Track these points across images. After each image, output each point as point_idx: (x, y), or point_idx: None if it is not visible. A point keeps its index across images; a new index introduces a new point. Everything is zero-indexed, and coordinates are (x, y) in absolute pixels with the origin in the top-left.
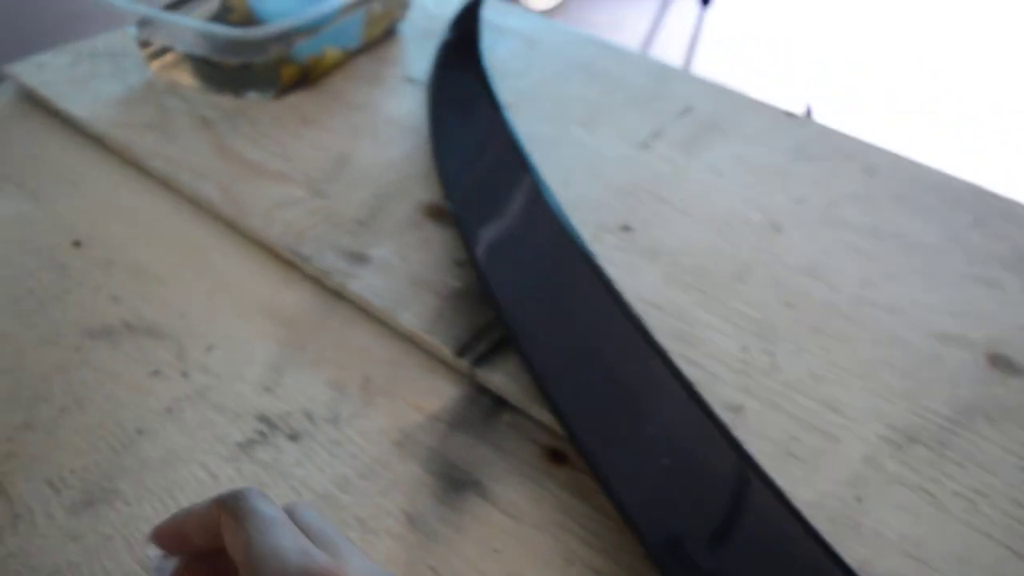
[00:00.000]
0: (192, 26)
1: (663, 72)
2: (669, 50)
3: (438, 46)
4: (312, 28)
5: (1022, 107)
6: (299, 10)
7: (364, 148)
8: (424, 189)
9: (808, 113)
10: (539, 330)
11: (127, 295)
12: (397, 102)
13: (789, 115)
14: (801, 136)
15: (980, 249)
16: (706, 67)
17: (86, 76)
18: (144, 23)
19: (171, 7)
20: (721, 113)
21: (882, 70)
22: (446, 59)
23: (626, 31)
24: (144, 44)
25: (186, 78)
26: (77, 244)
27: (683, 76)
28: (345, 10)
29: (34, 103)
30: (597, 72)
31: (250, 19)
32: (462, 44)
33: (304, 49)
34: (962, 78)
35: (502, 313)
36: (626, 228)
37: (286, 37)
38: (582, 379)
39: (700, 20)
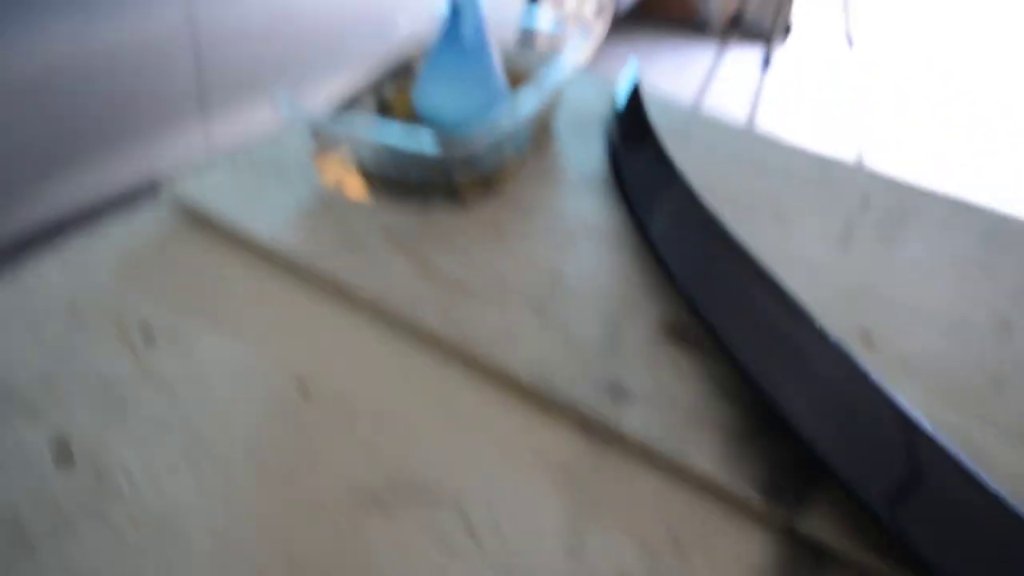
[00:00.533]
0: (374, 140)
1: (826, 163)
2: (726, 105)
3: (608, 139)
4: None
5: None
6: (465, 104)
7: (569, 259)
8: (652, 304)
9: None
10: (855, 459)
11: (380, 448)
12: (578, 202)
13: (964, 203)
14: (984, 224)
15: None
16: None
17: (252, 188)
18: (315, 132)
19: (338, 111)
20: (900, 205)
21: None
22: (624, 152)
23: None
24: (313, 153)
25: (359, 187)
26: (304, 391)
27: (847, 167)
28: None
29: (195, 219)
30: (762, 165)
31: (412, 117)
32: (636, 134)
33: (490, 159)
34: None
35: (808, 444)
36: (865, 336)
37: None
38: (926, 515)
39: (760, 82)
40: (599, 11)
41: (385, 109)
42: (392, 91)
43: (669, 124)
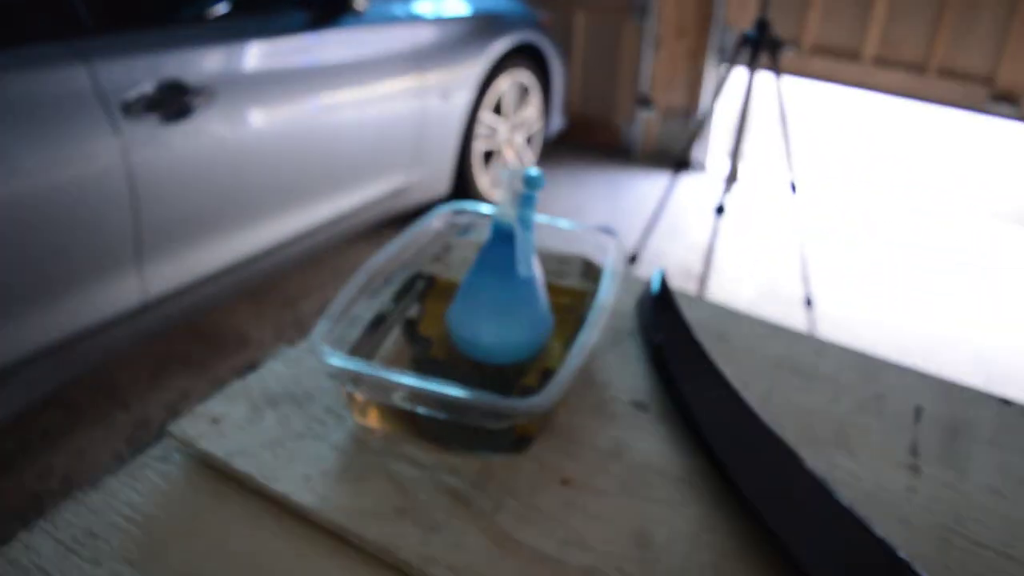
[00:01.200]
0: (429, 390)
1: (863, 362)
2: (682, 227)
3: (652, 356)
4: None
5: None
6: (512, 337)
7: (651, 514)
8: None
9: (808, 302)
10: None
11: None
12: (639, 437)
13: (1006, 402)
14: None
15: None
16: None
17: (277, 435)
18: (358, 381)
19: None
20: (951, 412)
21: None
22: (681, 377)
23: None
24: (350, 397)
25: (401, 430)
26: None
27: (881, 365)
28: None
29: (213, 471)
30: (807, 372)
31: (451, 351)
32: (685, 351)
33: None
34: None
35: None
36: None
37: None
38: None
39: (715, 230)
40: (529, 139)
41: (424, 346)
42: (416, 311)
43: (702, 322)
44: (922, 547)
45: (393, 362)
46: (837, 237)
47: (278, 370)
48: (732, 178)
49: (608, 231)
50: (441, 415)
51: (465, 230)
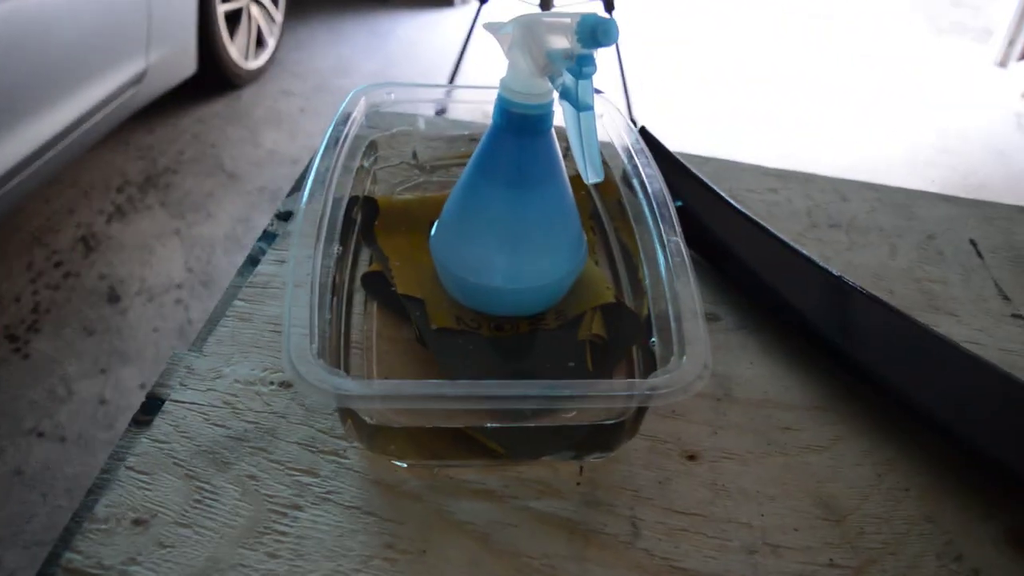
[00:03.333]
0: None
1: (887, 196)
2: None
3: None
4: None
5: None
6: (552, 269)
7: (813, 467)
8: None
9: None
10: None
11: None
12: (741, 364)
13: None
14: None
15: None
16: None
17: (249, 517)
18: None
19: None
20: (1001, 236)
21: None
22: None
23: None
24: (354, 424)
25: (432, 451)
26: None
27: (901, 194)
28: None
29: None
30: (843, 222)
31: (459, 310)
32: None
33: None
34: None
35: None
36: None
37: None
38: None
39: None
40: None
41: (377, 287)
42: (371, 258)
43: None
44: None
45: (385, 348)
46: (661, 60)
47: (195, 404)
48: (548, 4)
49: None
50: (521, 423)
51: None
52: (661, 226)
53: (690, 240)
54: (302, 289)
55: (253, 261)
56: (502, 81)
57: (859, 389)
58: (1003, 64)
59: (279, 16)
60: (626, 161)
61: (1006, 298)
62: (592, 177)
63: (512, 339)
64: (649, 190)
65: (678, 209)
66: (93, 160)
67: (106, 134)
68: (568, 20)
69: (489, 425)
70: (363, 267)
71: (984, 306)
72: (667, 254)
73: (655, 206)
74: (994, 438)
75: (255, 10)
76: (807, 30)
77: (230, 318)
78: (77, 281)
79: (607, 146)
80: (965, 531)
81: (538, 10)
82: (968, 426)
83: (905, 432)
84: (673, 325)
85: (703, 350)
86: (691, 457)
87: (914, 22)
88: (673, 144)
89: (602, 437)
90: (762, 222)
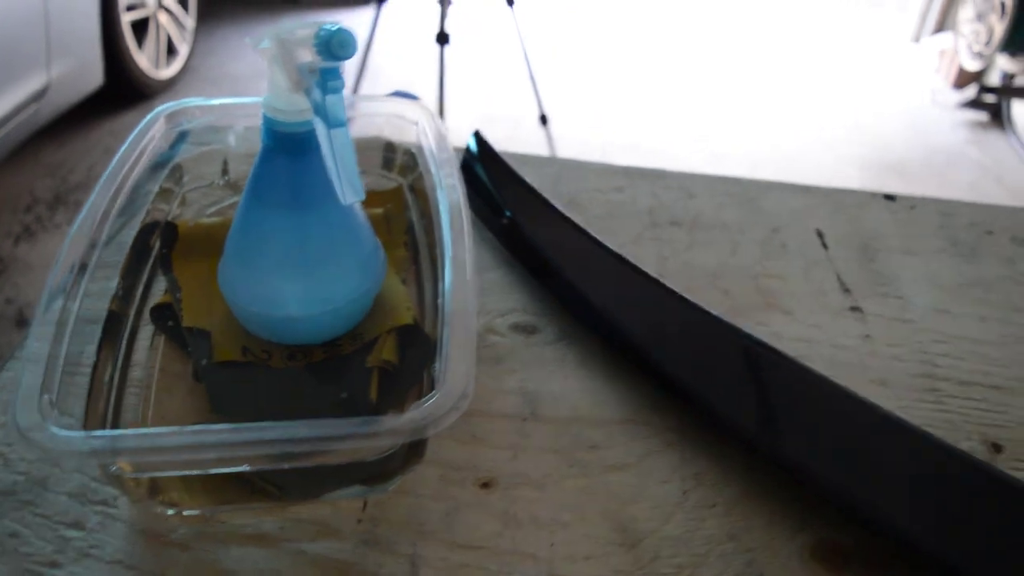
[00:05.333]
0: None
1: (735, 189)
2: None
3: (507, 244)
4: None
5: None
6: (330, 286)
7: (613, 488)
8: None
9: (543, 119)
10: None
11: None
12: (551, 379)
13: (889, 197)
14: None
15: None
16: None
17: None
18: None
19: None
20: (847, 225)
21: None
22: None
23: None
24: (118, 477)
25: (205, 498)
26: None
27: (748, 186)
28: None
29: None
30: (686, 219)
31: (246, 341)
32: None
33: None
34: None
35: None
36: None
37: None
38: None
39: (441, 61)
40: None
41: (166, 320)
42: (165, 288)
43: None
44: (908, 400)
45: (164, 386)
46: (565, 49)
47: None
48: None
49: (407, 95)
50: (292, 465)
51: (182, 139)
52: (452, 240)
53: (516, 252)
54: (46, 328)
55: (54, 293)
56: (264, 99)
57: (674, 400)
58: (917, 39)
59: (190, 22)
60: (435, 172)
61: (846, 290)
62: (349, 197)
63: (301, 369)
64: (447, 202)
65: (506, 221)
66: (0, 180)
67: (11, 152)
68: (310, 33)
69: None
70: (158, 298)
71: (823, 300)
72: (453, 270)
73: (449, 219)
74: (803, 449)
75: (163, 18)
76: (725, 6)
77: (16, 360)
78: None
79: (424, 155)
80: (769, 547)
81: (305, 20)
82: (776, 437)
83: (716, 444)
84: (444, 349)
85: (462, 379)
86: (485, 485)
87: None
88: (582, 138)
89: (376, 472)
90: (586, 228)
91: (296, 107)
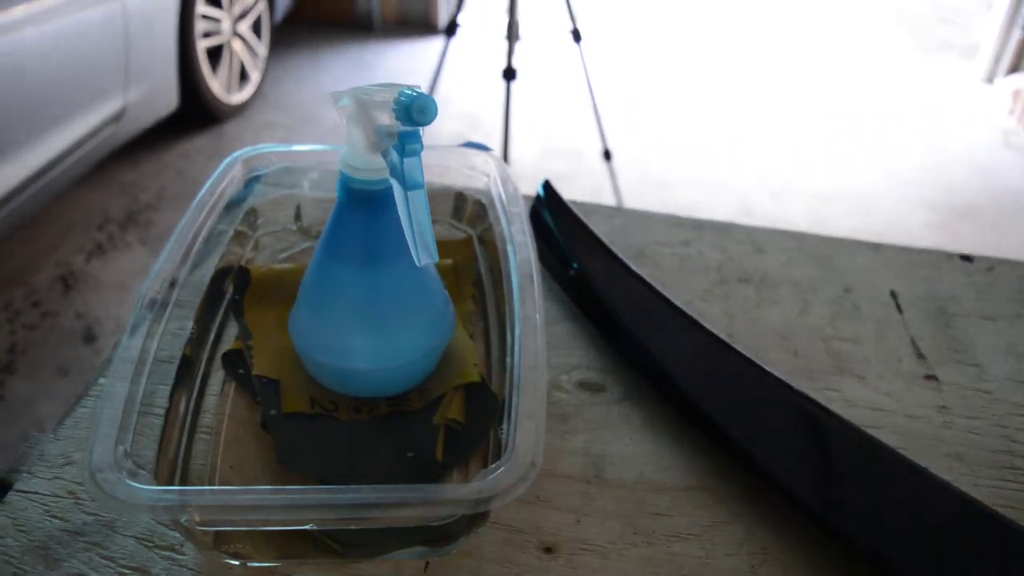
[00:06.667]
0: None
1: (805, 246)
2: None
3: (576, 299)
4: None
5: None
6: (406, 342)
7: (679, 559)
8: None
9: (607, 155)
10: None
11: None
12: (617, 441)
13: (966, 258)
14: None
15: None
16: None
17: None
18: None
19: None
20: (923, 286)
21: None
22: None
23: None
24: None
25: (274, 549)
26: None
27: (817, 242)
28: None
29: None
30: (755, 275)
31: (315, 392)
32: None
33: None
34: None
35: None
36: None
37: None
38: None
39: (507, 96)
40: (256, 27)
41: (236, 368)
42: (236, 334)
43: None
44: (985, 477)
45: (233, 433)
46: (628, 84)
47: (38, 494)
48: (514, 35)
49: (479, 147)
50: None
51: (255, 180)
52: (521, 298)
53: (583, 305)
54: (120, 380)
55: (133, 331)
56: (341, 156)
57: (740, 468)
58: (990, 80)
59: (263, 50)
60: (505, 226)
61: (921, 356)
62: (424, 259)
63: (367, 423)
64: (517, 258)
65: (574, 273)
66: (75, 198)
67: (87, 172)
68: (390, 96)
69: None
70: (230, 343)
71: (896, 367)
72: (522, 330)
73: (519, 276)
74: (869, 526)
75: (237, 45)
76: (792, 50)
77: (92, 397)
78: (55, 321)
79: (495, 206)
80: None
81: (384, 84)
82: (843, 513)
83: (784, 519)
84: (513, 415)
85: (531, 449)
86: (548, 550)
87: (900, 40)
88: (643, 173)
89: (439, 533)
90: (655, 284)
91: (372, 166)
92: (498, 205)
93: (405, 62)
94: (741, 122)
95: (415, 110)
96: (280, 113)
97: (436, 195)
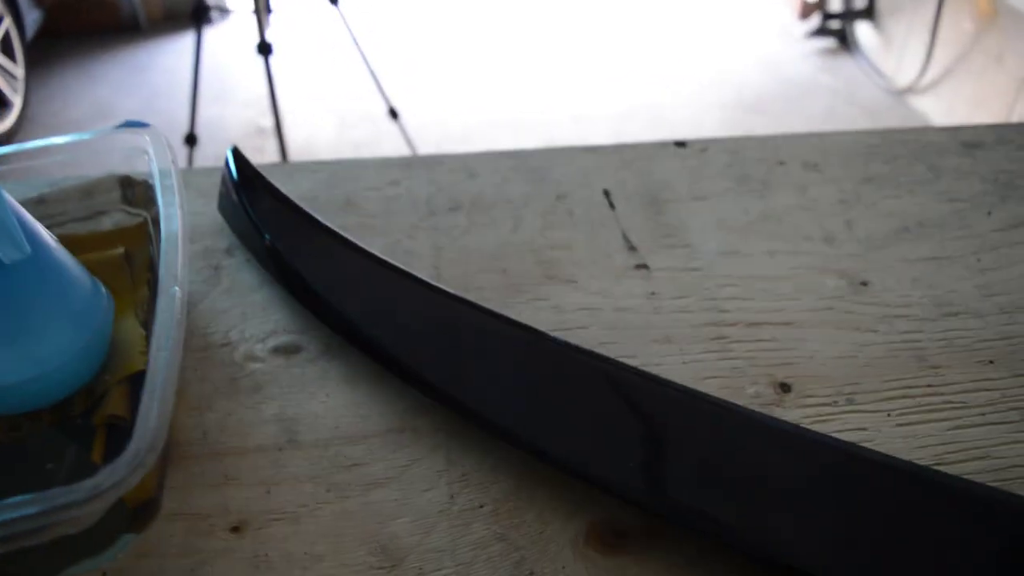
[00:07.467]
0: None
1: (517, 163)
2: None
3: (271, 266)
4: None
5: None
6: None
7: (376, 510)
8: None
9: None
10: None
11: None
12: (311, 401)
13: (680, 144)
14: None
15: None
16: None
17: None
18: None
19: None
20: (636, 179)
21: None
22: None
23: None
24: None
25: None
26: None
27: (530, 156)
28: None
29: None
30: (466, 201)
31: None
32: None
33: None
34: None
35: None
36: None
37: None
38: None
39: (268, 73)
40: (4, 46)
41: None
42: None
43: (313, 191)
44: (693, 353)
45: None
46: (407, 38)
47: None
48: (262, 8)
49: (134, 125)
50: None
51: None
52: (163, 278)
53: (277, 273)
54: None
55: None
56: None
57: (435, 400)
58: None
59: (19, 71)
60: (160, 203)
61: (632, 248)
62: (12, 254)
63: (26, 440)
64: (164, 233)
65: (267, 243)
66: None
67: None
68: None
69: None
70: None
71: (607, 263)
72: (159, 314)
73: (165, 252)
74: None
75: None
76: None
77: None
78: None
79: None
80: (539, 542)
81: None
82: (533, 426)
83: (484, 440)
84: (144, 402)
85: (150, 433)
86: (235, 529)
87: None
88: (442, 126)
89: (98, 540)
90: (354, 232)
91: None
92: (156, 183)
93: (184, 58)
94: (537, 59)
95: None
96: (53, 133)
97: (100, 183)
